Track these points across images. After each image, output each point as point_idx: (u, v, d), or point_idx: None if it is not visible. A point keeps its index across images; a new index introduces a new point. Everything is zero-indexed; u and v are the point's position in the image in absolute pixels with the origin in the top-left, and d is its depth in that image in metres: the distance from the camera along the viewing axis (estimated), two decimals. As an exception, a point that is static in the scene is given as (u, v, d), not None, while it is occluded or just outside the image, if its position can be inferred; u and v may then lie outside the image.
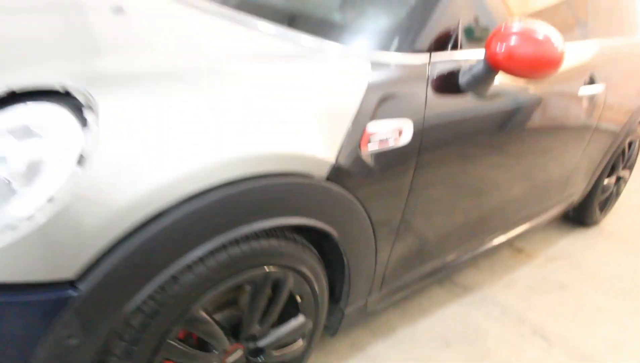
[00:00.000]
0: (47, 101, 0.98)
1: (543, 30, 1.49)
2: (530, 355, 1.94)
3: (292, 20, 1.56)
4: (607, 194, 3.05)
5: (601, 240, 2.97)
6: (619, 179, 3.11)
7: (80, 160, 0.90)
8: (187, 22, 1.53)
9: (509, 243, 2.34)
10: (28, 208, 0.88)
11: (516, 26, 1.48)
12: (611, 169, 2.94)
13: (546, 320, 2.14)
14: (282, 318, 1.40)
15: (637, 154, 3.19)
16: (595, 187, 2.85)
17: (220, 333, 1.23)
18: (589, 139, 2.46)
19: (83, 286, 0.93)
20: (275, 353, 1.42)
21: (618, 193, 3.23)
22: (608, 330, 2.16)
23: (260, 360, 1.39)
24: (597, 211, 3.03)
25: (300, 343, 1.49)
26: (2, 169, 0.91)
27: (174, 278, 1.04)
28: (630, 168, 3.20)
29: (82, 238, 0.90)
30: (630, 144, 3.02)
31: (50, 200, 0.89)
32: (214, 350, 1.25)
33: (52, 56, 1.13)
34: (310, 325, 1.47)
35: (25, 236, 0.87)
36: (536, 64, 1.49)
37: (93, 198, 0.90)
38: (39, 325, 0.92)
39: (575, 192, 2.67)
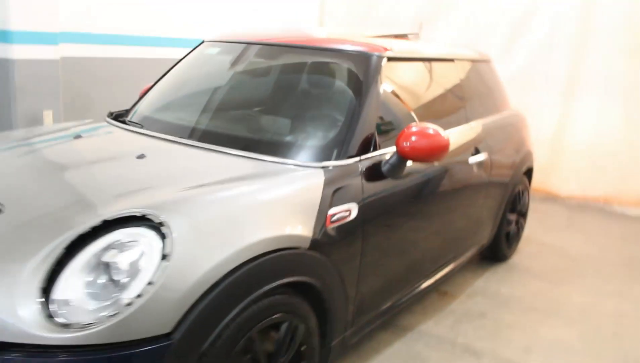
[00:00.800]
0: (131, 224, 1.53)
1: (432, 127, 2.20)
2: (465, 366, 2.53)
3: (257, 146, 2.18)
4: (510, 230, 3.79)
5: (510, 272, 3.68)
6: (517, 221, 3.89)
7: (164, 257, 1.45)
8: (184, 156, 2.12)
9: (435, 286, 2.97)
10: (136, 291, 1.42)
11: (414, 127, 2.18)
12: (511, 210, 3.70)
13: (472, 341, 2.75)
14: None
15: (528, 200, 4.01)
16: (500, 229, 3.59)
17: None
18: (485, 194, 3.20)
19: (175, 336, 1.45)
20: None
21: (519, 232, 4.00)
22: (521, 340, 2.80)
23: None
24: (505, 247, 3.77)
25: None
26: (113, 272, 1.45)
27: (227, 324, 1.57)
28: (524, 213, 3.99)
29: (172, 305, 1.44)
30: (521, 192, 3.82)
31: (150, 284, 1.42)
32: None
33: (117, 194, 1.69)
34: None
35: (137, 309, 1.39)
36: (432, 151, 2.18)
37: (176, 278, 1.44)
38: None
39: (484, 236, 3.39)
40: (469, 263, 3.45)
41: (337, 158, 2.10)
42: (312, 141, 2.22)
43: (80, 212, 1.60)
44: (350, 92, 2.36)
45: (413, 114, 2.63)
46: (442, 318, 2.97)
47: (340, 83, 2.47)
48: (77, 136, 2.32)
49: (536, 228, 4.50)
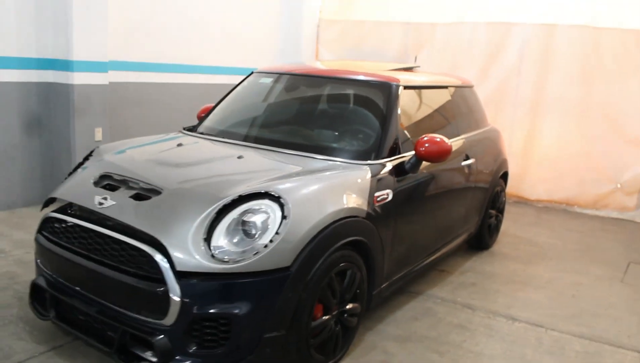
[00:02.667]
0: (257, 198, 2.33)
1: (439, 137, 3.05)
2: (464, 317, 3.36)
3: (318, 150, 3.00)
4: (491, 223, 4.66)
5: (492, 257, 4.56)
6: (497, 215, 4.77)
7: (284, 217, 2.25)
8: (269, 156, 2.93)
9: (436, 264, 3.81)
10: (268, 239, 2.21)
11: (426, 137, 3.03)
12: (492, 207, 4.58)
13: (468, 301, 3.59)
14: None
15: (505, 199, 4.91)
16: (483, 221, 4.47)
17: (333, 297, 2.53)
18: (473, 191, 4.08)
19: (293, 268, 2.25)
20: (349, 318, 2.71)
21: (498, 225, 4.88)
22: (504, 300, 3.65)
23: (342, 319, 2.66)
24: (487, 237, 4.65)
25: (355, 319, 2.78)
26: (252, 228, 2.24)
27: (325, 259, 2.37)
28: (501, 210, 4.89)
29: (291, 247, 2.24)
30: (499, 192, 4.72)
31: (277, 233, 2.22)
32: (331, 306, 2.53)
33: (241, 180, 2.49)
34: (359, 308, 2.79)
35: (270, 250, 2.19)
36: (440, 154, 3.03)
37: (293, 230, 2.24)
38: (278, 289, 2.22)
39: (472, 225, 4.26)
40: (459, 249, 4.31)
41: (375, 158, 2.94)
42: (357, 147, 3.08)
43: (221, 191, 2.39)
44: (379, 112, 3.21)
45: (420, 128, 3.50)
46: (443, 286, 3.81)
47: (371, 105, 3.32)
48: (180, 145, 3.10)
49: (510, 226, 5.41)
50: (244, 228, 2.28)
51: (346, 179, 2.68)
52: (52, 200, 2.84)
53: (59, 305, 2.58)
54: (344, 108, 3.43)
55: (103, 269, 2.33)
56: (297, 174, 2.64)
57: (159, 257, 2.18)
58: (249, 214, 2.29)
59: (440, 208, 3.60)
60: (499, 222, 4.87)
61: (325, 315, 2.51)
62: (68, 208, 2.69)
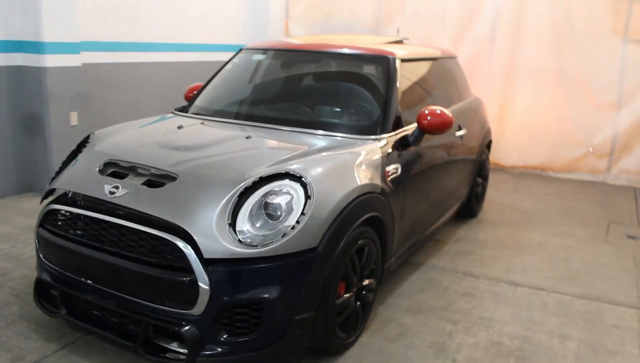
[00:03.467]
0: (278, 179, 2.27)
1: (440, 109, 3.05)
2: (468, 284, 3.43)
3: (324, 126, 2.96)
4: (478, 190, 4.75)
5: (481, 224, 4.65)
6: (482, 183, 4.86)
7: (309, 198, 2.21)
8: (278, 135, 2.87)
9: (434, 234, 3.86)
10: (294, 219, 2.17)
11: (428, 110, 3.03)
12: (478, 174, 4.66)
13: (468, 269, 3.66)
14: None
15: (489, 167, 5.00)
16: (472, 189, 4.54)
17: (354, 275, 2.53)
18: (464, 160, 4.13)
19: (319, 249, 2.22)
20: (366, 293, 2.71)
21: (484, 193, 4.98)
22: (502, 266, 3.74)
23: (361, 295, 2.66)
24: (475, 205, 4.74)
25: (372, 295, 2.79)
26: (276, 210, 2.19)
27: (347, 237, 2.35)
28: (486, 177, 4.98)
29: (317, 227, 2.21)
30: (484, 161, 4.80)
31: (303, 214, 2.18)
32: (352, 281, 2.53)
33: (258, 161, 2.43)
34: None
35: (297, 231, 2.15)
36: (443, 125, 3.03)
37: (318, 210, 2.21)
38: (306, 270, 2.19)
39: (463, 193, 4.32)
40: (449, 219, 4.38)
41: (381, 133, 2.92)
42: (362, 122, 3.05)
43: (241, 174, 2.32)
44: (380, 86, 3.17)
45: (417, 100, 3.49)
46: (442, 256, 3.87)
47: (371, 79, 3.28)
48: (180, 127, 2.99)
49: (491, 193, 5.51)
50: (267, 210, 2.23)
51: (360, 156, 2.65)
52: (51, 191, 2.70)
53: (69, 301, 2.48)
54: (343, 83, 3.38)
55: (120, 261, 2.24)
56: (311, 152, 2.59)
57: (184, 245, 2.11)
58: (272, 196, 2.24)
59: (439, 179, 3.63)
60: (484, 190, 4.97)
61: (347, 292, 2.51)
62: (67, 198, 2.56)
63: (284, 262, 2.17)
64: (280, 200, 2.23)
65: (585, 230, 4.62)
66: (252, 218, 2.21)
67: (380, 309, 3.04)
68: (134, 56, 5.61)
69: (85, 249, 2.35)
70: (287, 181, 2.28)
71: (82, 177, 2.55)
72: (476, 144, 4.43)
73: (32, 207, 4.50)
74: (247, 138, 2.77)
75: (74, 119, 4.82)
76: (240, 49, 3.77)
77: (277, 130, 2.93)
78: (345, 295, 2.49)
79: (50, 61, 4.55)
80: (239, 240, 2.14)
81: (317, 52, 3.47)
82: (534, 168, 6.53)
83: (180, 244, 2.12)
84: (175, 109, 3.45)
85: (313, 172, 2.35)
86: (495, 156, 6.56)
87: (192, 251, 2.10)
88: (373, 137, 2.87)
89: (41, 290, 2.61)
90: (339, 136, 2.86)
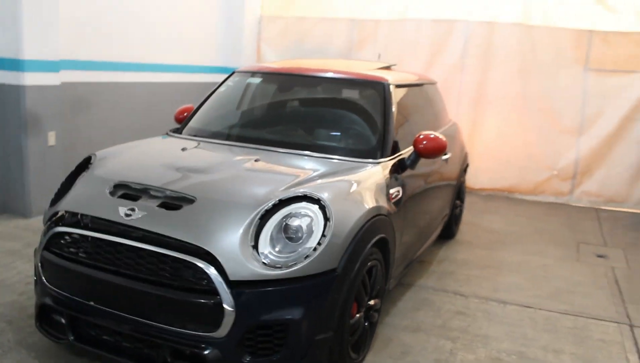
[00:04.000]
0: (295, 201, 2.31)
1: (434, 134, 3.17)
2: (460, 303, 3.54)
3: (326, 149, 3.02)
4: (457, 212, 4.91)
5: (460, 245, 4.80)
6: (460, 205, 5.03)
7: (328, 219, 2.26)
8: (285, 158, 2.91)
9: (422, 255, 3.97)
10: (315, 241, 2.21)
11: (423, 135, 3.14)
12: (457, 197, 4.82)
13: (457, 288, 3.78)
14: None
15: (465, 189, 5.18)
16: (452, 211, 4.69)
17: (365, 295, 2.58)
18: (448, 183, 4.28)
19: (338, 270, 2.27)
20: (372, 313, 2.76)
21: (461, 215, 5.15)
22: (488, 285, 3.88)
23: (368, 315, 2.71)
24: (454, 226, 4.89)
25: (377, 314, 2.84)
26: (297, 232, 2.23)
27: (362, 258, 2.40)
28: (463, 200, 5.16)
29: (336, 248, 2.25)
30: (462, 183, 4.97)
31: (324, 236, 2.23)
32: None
33: (273, 184, 2.46)
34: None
35: (319, 253, 2.19)
36: (438, 150, 3.15)
37: (336, 232, 2.26)
38: (327, 291, 2.23)
39: (446, 214, 4.46)
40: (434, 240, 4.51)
41: (381, 156, 3.01)
42: (363, 146, 3.13)
43: (260, 196, 2.35)
44: (377, 110, 3.27)
45: (409, 125, 3.61)
46: (429, 276, 3.98)
47: (368, 104, 3.39)
48: (184, 149, 2.99)
49: (465, 214, 5.70)
50: (287, 233, 2.26)
51: (368, 179, 2.73)
52: (54, 214, 2.63)
53: (77, 326, 2.42)
54: (341, 107, 3.47)
55: (138, 284, 2.22)
56: (322, 175, 2.65)
57: (208, 267, 2.12)
58: (292, 219, 2.28)
59: (429, 201, 3.75)
60: (461, 212, 5.14)
61: (358, 312, 2.56)
62: (71, 220, 2.50)
63: (306, 283, 2.20)
64: (301, 222, 2.27)
65: (558, 249, 4.85)
66: (273, 240, 2.24)
67: (380, 328, 3.09)
68: (110, 75, 5.53)
69: (98, 272, 2.31)
70: (305, 204, 2.33)
71: (91, 199, 2.51)
72: (457, 168, 4.60)
73: (8, 230, 4.34)
74: (255, 160, 2.80)
75: (51, 139, 4.70)
76: (233, 72, 3.81)
77: (281, 153, 2.97)
78: (357, 315, 2.53)
79: (30, 79, 4.44)
80: (263, 262, 2.17)
81: (314, 76, 3.54)
82: (502, 190, 6.79)
83: (204, 266, 2.12)
84: (170, 131, 3.44)
85: (329, 194, 2.40)
86: (464, 178, 6.79)
87: (217, 273, 2.11)
88: (374, 161, 2.95)
89: (44, 316, 2.53)
90: (343, 159, 2.93)
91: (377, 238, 2.59)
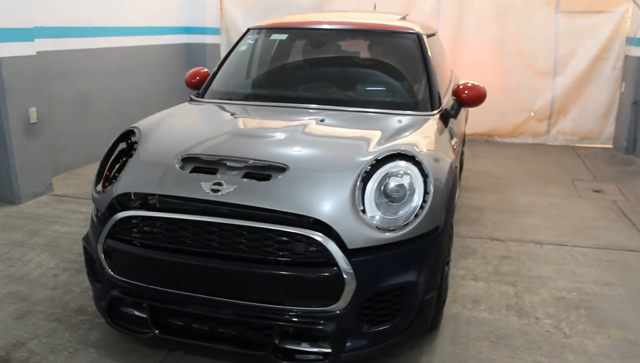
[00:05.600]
0: (390, 160, 2.20)
1: (474, 83, 3.12)
2: (500, 248, 3.59)
3: (382, 105, 2.91)
4: (462, 158, 4.96)
5: (469, 191, 4.87)
6: (463, 152, 5.07)
7: (427, 176, 2.16)
8: (349, 117, 2.79)
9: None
10: (420, 200, 2.12)
11: (462, 85, 3.08)
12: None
13: (490, 233, 3.83)
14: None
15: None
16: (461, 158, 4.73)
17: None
18: (462, 132, 4.28)
19: (441, 227, 2.20)
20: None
21: (463, 163, 5.20)
22: (516, 228, 3.96)
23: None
24: (460, 173, 4.93)
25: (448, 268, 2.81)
26: (399, 191, 2.12)
27: (451, 212, 2.34)
28: (464, 145, 5.20)
29: (439, 205, 2.18)
30: (464, 131, 5.00)
31: (427, 193, 2.13)
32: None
33: (359, 144, 2.33)
34: None
35: (426, 211, 2.10)
36: (479, 98, 3.11)
37: (435, 188, 2.16)
38: (435, 250, 2.17)
39: (459, 160, 4.48)
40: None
41: (433, 109, 2.93)
42: (416, 99, 3.04)
43: (355, 158, 2.22)
44: (418, 63, 3.17)
45: (439, 75, 3.54)
46: (457, 224, 3.96)
47: (407, 56, 3.27)
48: (234, 114, 2.77)
49: (459, 160, 5.79)
50: (388, 193, 2.15)
51: (437, 132, 2.65)
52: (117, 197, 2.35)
53: (159, 317, 2.24)
54: (382, 61, 3.33)
55: (239, 265, 2.05)
56: (396, 132, 2.53)
57: (324, 239, 1.98)
58: (392, 178, 2.16)
59: (459, 148, 3.73)
60: (463, 159, 5.19)
61: (447, 266, 2.53)
62: (136, 203, 2.27)
63: (419, 243, 2.13)
64: (402, 181, 2.16)
65: (557, 188, 5.01)
66: (377, 202, 2.12)
67: (441, 281, 3.09)
68: (80, 42, 5.05)
69: (185, 257, 2.11)
70: (401, 162, 2.21)
71: (161, 177, 2.27)
72: (464, 116, 4.59)
73: (1, 220, 3.93)
74: (321, 120, 2.64)
75: (33, 116, 4.25)
76: (248, 30, 3.54)
77: (338, 112, 2.82)
78: (446, 269, 2.50)
79: (6, 50, 3.95)
80: (377, 227, 2.06)
81: (345, 29, 3.37)
82: (482, 134, 6.92)
83: (320, 238, 1.98)
84: (194, 96, 3.18)
85: (421, 150, 2.30)
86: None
87: (334, 244, 1.98)
88: (429, 113, 2.88)
89: (114, 310, 2.31)
90: (401, 113, 2.83)
91: (455, 190, 2.54)
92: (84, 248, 2.47)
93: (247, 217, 2.08)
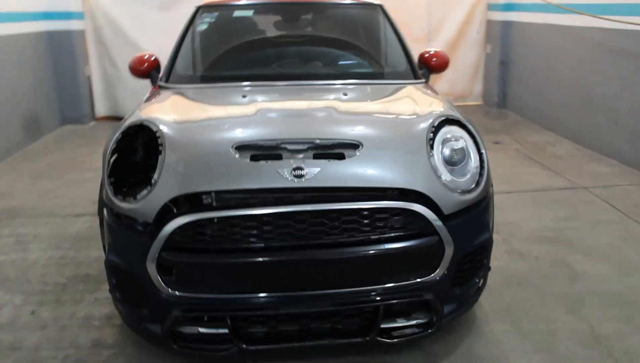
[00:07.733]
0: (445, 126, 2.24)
1: (434, 50, 3.28)
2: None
3: (379, 76, 2.91)
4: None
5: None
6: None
7: (475, 138, 2.25)
8: (360, 89, 2.74)
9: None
10: (478, 160, 2.19)
11: (428, 53, 3.23)
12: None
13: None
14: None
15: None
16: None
17: None
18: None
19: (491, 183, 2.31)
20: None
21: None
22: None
23: None
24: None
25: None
26: (459, 154, 2.17)
27: None
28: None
29: (489, 166, 2.28)
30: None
31: (481, 153, 2.21)
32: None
33: (409, 114, 2.32)
34: None
35: (486, 171, 2.19)
36: (445, 64, 3.28)
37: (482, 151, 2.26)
38: (492, 210, 2.27)
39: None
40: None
41: (416, 77, 3.02)
42: (403, 68, 3.08)
43: (414, 127, 2.22)
44: (391, 32, 3.23)
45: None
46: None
47: (374, 27, 3.29)
48: (245, 96, 2.52)
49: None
50: (450, 157, 2.18)
51: (435, 94, 2.78)
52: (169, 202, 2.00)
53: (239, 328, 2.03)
54: (354, 33, 3.29)
55: (336, 252, 1.94)
56: (415, 100, 2.58)
57: (422, 209, 1.96)
58: (450, 143, 2.19)
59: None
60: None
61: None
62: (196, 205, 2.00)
63: (487, 202, 2.22)
64: (460, 145, 2.20)
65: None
66: (447, 166, 2.14)
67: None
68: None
69: (272, 255, 1.93)
70: (452, 127, 2.24)
71: (218, 171, 2.00)
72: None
73: None
74: (344, 94, 2.56)
75: None
76: (199, 8, 3.24)
77: (341, 86, 2.75)
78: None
79: None
80: (461, 190, 2.09)
81: (308, 3, 3.27)
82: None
83: (418, 208, 1.96)
84: (162, 81, 2.85)
85: (456, 114, 2.36)
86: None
87: (432, 212, 1.98)
88: (419, 81, 2.97)
89: (176, 333, 2.03)
90: (399, 83, 2.89)
91: None
92: (112, 270, 2.10)
93: (331, 200, 1.96)
